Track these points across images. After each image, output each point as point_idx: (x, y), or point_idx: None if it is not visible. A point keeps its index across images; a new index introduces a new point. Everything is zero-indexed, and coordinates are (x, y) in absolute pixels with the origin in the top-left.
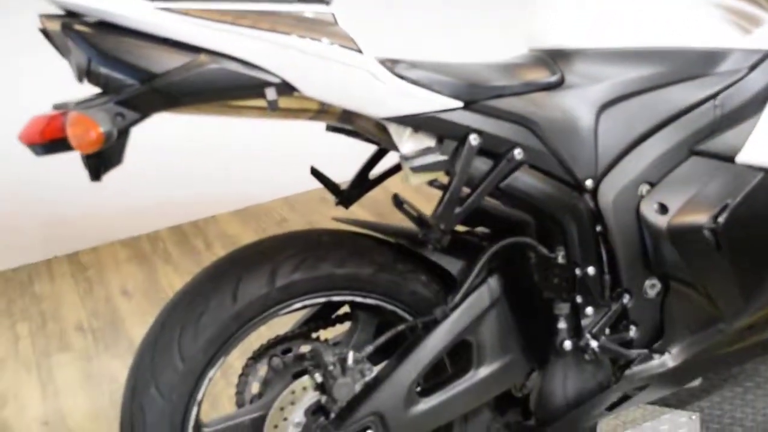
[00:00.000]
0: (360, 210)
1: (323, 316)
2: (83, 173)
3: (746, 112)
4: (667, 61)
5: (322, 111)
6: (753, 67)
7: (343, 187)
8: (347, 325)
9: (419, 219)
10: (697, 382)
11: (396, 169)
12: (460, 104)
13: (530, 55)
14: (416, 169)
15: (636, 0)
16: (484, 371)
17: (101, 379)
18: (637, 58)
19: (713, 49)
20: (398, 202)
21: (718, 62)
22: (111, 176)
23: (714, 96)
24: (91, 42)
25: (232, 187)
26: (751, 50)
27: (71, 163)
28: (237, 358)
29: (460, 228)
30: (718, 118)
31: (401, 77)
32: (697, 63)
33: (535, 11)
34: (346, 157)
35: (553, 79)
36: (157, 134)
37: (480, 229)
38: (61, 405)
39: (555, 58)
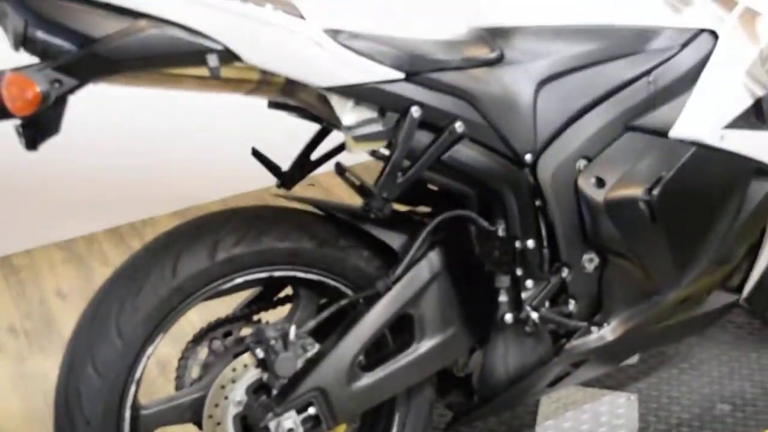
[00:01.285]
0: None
1: (264, 299)
2: (14, 175)
3: (679, 88)
4: (603, 38)
5: (263, 82)
6: (685, 45)
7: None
8: (289, 308)
9: (361, 187)
10: (634, 360)
11: (338, 149)
12: (402, 75)
13: (471, 32)
14: (358, 138)
15: None
16: (426, 345)
17: (35, 379)
18: (574, 35)
19: (647, 27)
20: (340, 170)
21: (652, 40)
22: (46, 177)
23: (648, 73)
24: (29, 5)
25: (171, 187)
26: (682, 28)
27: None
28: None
29: (402, 208)
30: (652, 94)
31: (344, 46)
32: (632, 40)
33: None
34: (288, 158)
35: (493, 55)
36: (92, 134)
37: (422, 209)
38: None
39: (494, 36)
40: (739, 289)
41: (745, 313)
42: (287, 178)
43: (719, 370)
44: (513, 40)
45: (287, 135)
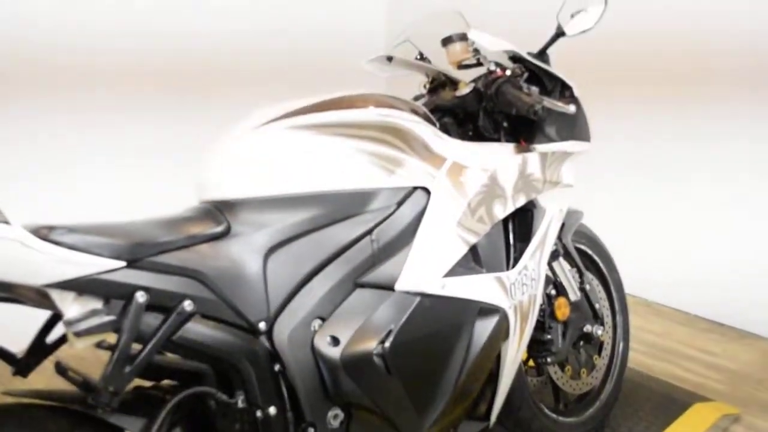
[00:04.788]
0: None
1: None
2: None
3: (400, 243)
4: (325, 203)
5: None
6: (401, 203)
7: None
8: None
9: (85, 384)
10: None
11: None
12: (123, 264)
13: (199, 207)
14: (80, 334)
15: (291, 150)
16: None
17: None
18: (296, 203)
19: (363, 189)
20: (61, 369)
21: (370, 201)
22: None
23: (370, 231)
24: None
25: None
26: (397, 188)
27: None
28: None
29: (146, 383)
30: (376, 251)
31: (57, 243)
32: (352, 203)
33: (203, 163)
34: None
35: (219, 229)
36: None
37: (167, 382)
38: None
39: (221, 209)
40: (487, 415)
41: None
42: (23, 366)
43: None
44: (238, 213)
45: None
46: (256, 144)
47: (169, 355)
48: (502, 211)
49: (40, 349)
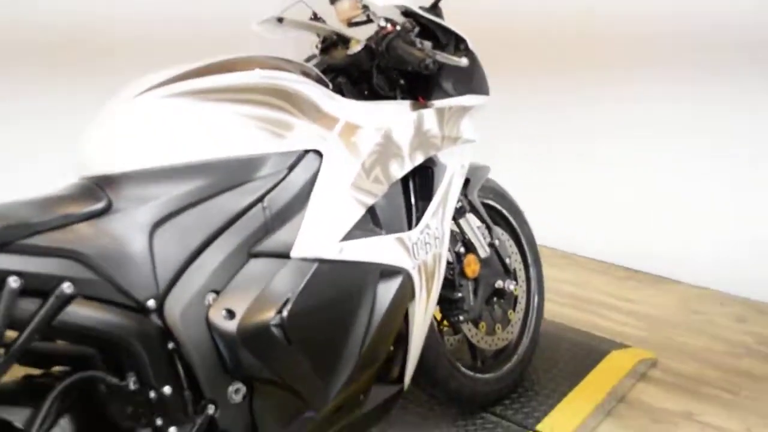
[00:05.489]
0: None
1: None
2: None
3: (293, 209)
4: (211, 172)
5: None
6: (292, 168)
7: None
8: None
9: None
10: None
11: None
12: None
13: (78, 184)
14: None
15: (171, 119)
16: None
17: None
18: (180, 174)
19: (251, 155)
20: None
21: (259, 167)
22: None
23: (261, 199)
24: None
25: None
26: (287, 152)
27: None
28: None
29: (36, 372)
30: (269, 218)
31: None
32: (239, 170)
33: (83, 137)
34: None
35: (99, 206)
36: None
37: (58, 369)
38: None
39: (101, 185)
40: (400, 378)
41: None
42: None
43: None
44: (119, 188)
45: None
46: (134, 114)
47: (59, 342)
48: (399, 170)
49: None
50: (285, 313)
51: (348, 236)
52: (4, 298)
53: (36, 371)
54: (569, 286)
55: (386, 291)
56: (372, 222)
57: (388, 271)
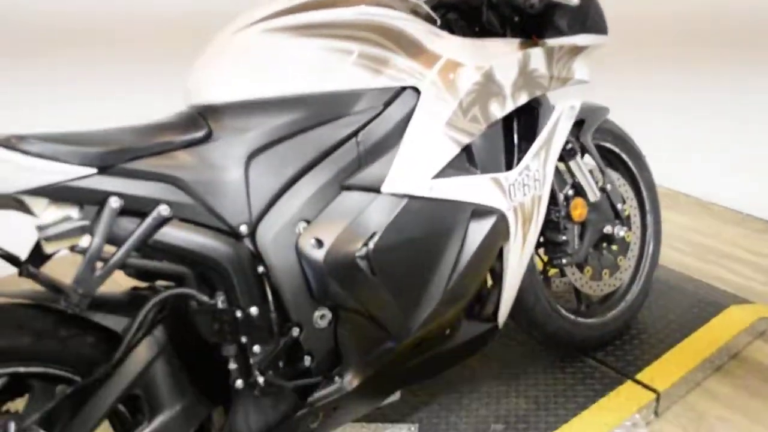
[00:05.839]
0: None
1: (8, 389)
2: None
3: (386, 145)
4: (308, 105)
5: None
6: (388, 104)
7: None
8: None
9: (54, 287)
10: (395, 397)
11: None
12: (93, 171)
13: (182, 112)
14: (50, 239)
15: (271, 52)
16: (157, 422)
17: None
18: (278, 106)
19: (349, 90)
20: (30, 273)
21: (355, 102)
22: None
23: (355, 133)
24: None
25: None
26: (383, 88)
27: None
28: None
29: (137, 284)
30: (362, 153)
31: (24, 152)
32: (335, 105)
33: (191, 68)
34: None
35: (200, 134)
36: None
37: (160, 284)
38: None
39: (204, 114)
40: (495, 316)
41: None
42: (26, 268)
43: (497, 390)
44: (220, 117)
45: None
46: (237, 47)
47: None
48: (499, 110)
49: (39, 253)
50: (371, 245)
51: (440, 174)
52: (105, 216)
53: (142, 285)
54: (698, 235)
55: (478, 231)
56: (467, 161)
57: (481, 211)
